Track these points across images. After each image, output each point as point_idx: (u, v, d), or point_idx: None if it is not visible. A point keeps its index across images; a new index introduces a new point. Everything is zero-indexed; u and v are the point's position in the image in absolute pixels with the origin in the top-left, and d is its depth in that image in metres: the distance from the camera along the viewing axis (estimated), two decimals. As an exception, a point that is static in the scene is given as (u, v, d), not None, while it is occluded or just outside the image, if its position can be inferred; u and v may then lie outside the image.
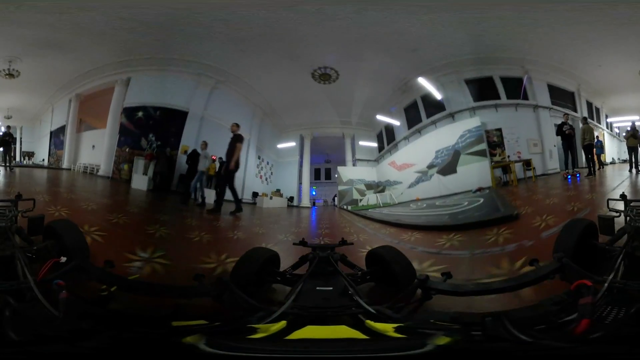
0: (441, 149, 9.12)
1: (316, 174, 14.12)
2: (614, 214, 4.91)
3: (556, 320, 2.98)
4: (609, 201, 5.10)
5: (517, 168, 7.57)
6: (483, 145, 7.92)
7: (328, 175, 14.22)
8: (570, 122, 6.97)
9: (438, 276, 4.40)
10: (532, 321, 3.01)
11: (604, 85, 7.32)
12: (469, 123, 8.35)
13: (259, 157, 12.27)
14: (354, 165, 12.99)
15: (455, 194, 8.52)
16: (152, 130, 7.63)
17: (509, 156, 7.63)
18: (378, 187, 12.63)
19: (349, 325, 2.91)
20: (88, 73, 7.03)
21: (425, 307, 3.87)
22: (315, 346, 2.56)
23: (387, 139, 12.30)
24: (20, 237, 4.45)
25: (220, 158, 8.78)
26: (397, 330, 2.77)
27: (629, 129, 7.03)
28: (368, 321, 2.94)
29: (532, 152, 7.68)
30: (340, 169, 13.01)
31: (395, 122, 11.72)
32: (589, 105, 7.68)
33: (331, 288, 3.88)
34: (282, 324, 2.88)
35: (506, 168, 7.42)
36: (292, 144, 13.07)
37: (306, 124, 12.97)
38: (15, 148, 7.35)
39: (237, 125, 8.71)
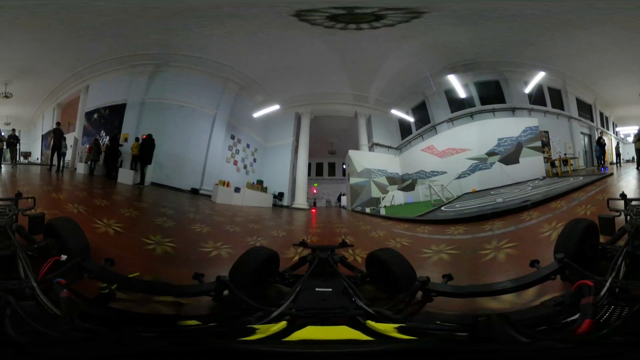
0: (505, 138, 8.80)
1: (318, 170, 11.59)
2: (615, 213, 4.90)
3: (558, 321, 2.98)
4: (609, 201, 5.09)
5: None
6: (539, 143, 8.71)
7: (332, 170, 11.64)
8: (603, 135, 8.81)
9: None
10: (533, 322, 3.00)
11: (613, 99, 8.82)
12: (529, 121, 8.87)
13: (232, 137, 10.11)
14: (371, 150, 10.47)
15: (519, 182, 8.56)
16: (103, 128, 8.52)
17: (558, 153, 8.98)
18: (403, 181, 10.32)
19: (349, 326, 2.90)
20: (57, 88, 8.37)
21: (426, 308, 3.86)
22: (315, 346, 2.55)
23: (417, 122, 10.35)
24: (21, 236, 4.45)
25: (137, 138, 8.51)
26: (398, 330, 2.76)
27: (636, 132, 8.28)
28: (369, 321, 2.93)
29: (567, 153, 9.07)
30: (353, 153, 10.31)
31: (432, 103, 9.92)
32: (601, 114, 9.18)
33: (330, 289, 3.87)
34: (282, 324, 2.87)
35: (552, 163, 8.95)
36: (274, 107, 10.05)
37: (302, 99, 10.23)
38: (19, 148, 8.45)
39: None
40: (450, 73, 9.09)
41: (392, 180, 10.35)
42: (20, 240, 4.17)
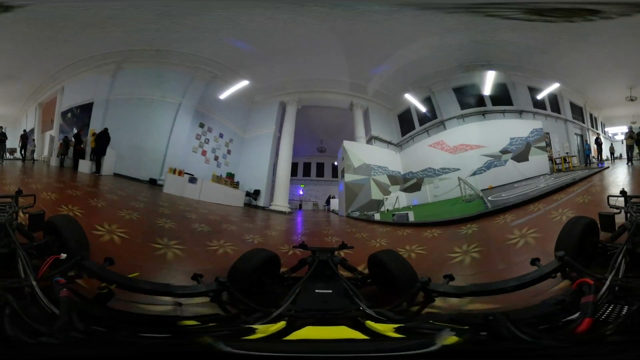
0: (516, 138, 9.12)
1: (305, 170, 10.63)
2: (615, 210, 4.90)
3: (558, 320, 2.97)
4: (609, 198, 5.08)
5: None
6: (543, 143, 9.35)
7: (320, 171, 10.68)
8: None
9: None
10: (534, 321, 3.00)
11: (601, 101, 9.62)
12: (534, 124, 9.37)
13: (201, 125, 9.40)
14: (370, 143, 9.50)
15: (528, 178, 9.02)
16: (75, 125, 8.93)
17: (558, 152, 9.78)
18: (406, 180, 9.49)
19: (348, 327, 2.89)
20: (37, 89, 8.93)
21: (426, 308, 3.85)
22: (315, 346, 2.55)
23: (420, 117, 9.76)
24: (21, 233, 4.44)
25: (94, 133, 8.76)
26: (397, 330, 2.76)
27: (626, 130, 8.92)
28: (368, 322, 2.93)
29: (565, 151, 9.78)
30: (348, 145, 9.31)
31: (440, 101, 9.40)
32: (590, 115, 9.92)
33: (330, 290, 3.86)
34: (281, 324, 2.86)
35: (554, 160, 9.68)
36: (242, 83, 8.92)
37: (287, 85, 9.17)
38: (5, 145, 8.97)
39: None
40: (464, 71, 9.15)
41: (394, 179, 9.55)
42: (19, 238, 4.17)
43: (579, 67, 8.81)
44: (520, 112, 9.38)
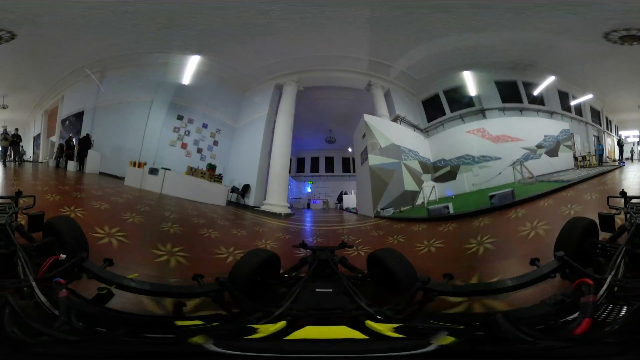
0: (549, 136, 9.65)
1: (313, 165, 9.43)
2: (614, 211, 4.90)
3: (557, 320, 2.97)
4: (609, 198, 5.08)
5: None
6: (570, 142, 9.87)
7: (330, 165, 9.40)
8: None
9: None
10: (533, 321, 3.00)
11: (617, 106, 10.34)
12: (562, 124, 9.86)
13: (179, 118, 8.90)
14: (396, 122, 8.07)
15: (559, 171, 9.56)
16: (71, 132, 9.48)
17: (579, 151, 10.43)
18: (436, 169, 8.42)
19: (348, 326, 2.89)
20: (43, 99, 9.70)
21: (426, 307, 3.85)
22: (315, 346, 2.55)
23: (450, 103, 9.24)
24: (21, 234, 4.44)
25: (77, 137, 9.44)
26: (397, 330, 2.76)
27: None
28: (368, 322, 2.92)
29: (586, 151, 10.40)
30: (370, 119, 7.86)
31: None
32: (606, 119, 10.70)
33: (330, 290, 3.86)
34: (282, 324, 2.86)
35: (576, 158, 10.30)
36: (194, 57, 7.77)
37: (279, 62, 7.57)
38: (21, 147, 9.74)
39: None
40: (511, 68, 9.32)
41: (425, 167, 8.56)
42: (19, 238, 4.17)
43: (607, 77, 9.38)
44: (551, 113, 9.96)
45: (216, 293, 3.93)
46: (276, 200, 7.78)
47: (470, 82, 9.15)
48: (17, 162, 9.54)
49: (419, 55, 8.04)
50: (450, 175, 9.03)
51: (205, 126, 9.06)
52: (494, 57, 8.64)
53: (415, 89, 9.17)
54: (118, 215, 6.69)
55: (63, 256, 4.06)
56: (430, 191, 8.17)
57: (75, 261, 3.96)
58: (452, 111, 9.48)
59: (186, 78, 8.50)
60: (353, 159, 9.60)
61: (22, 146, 9.75)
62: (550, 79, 9.44)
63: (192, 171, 8.45)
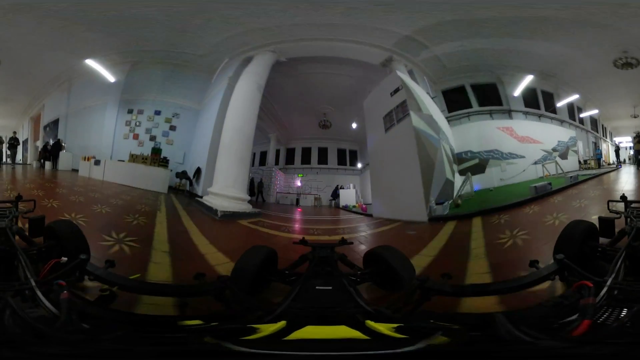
0: (561, 141, 10.52)
1: (304, 156, 8.41)
2: (615, 215, 4.91)
3: (556, 321, 2.97)
4: (609, 202, 5.09)
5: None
6: (575, 147, 10.69)
7: (324, 156, 8.20)
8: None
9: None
10: (531, 322, 3.00)
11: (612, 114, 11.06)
12: (570, 132, 10.62)
13: (129, 112, 8.94)
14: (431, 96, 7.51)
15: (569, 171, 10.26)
16: (51, 137, 10.27)
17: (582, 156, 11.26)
18: (461, 160, 8.20)
19: (348, 325, 2.90)
20: (27, 106, 10.50)
21: (425, 307, 3.85)
22: (314, 346, 2.56)
23: (478, 96, 9.26)
24: (21, 238, 4.45)
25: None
26: (396, 330, 2.76)
27: (634, 136, 10.51)
28: (368, 321, 2.93)
29: (588, 155, 11.19)
30: (405, 77, 6.90)
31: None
32: (602, 126, 11.42)
33: (330, 287, 3.86)
34: (282, 324, 2.86)
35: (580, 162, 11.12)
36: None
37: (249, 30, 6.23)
38: (18, 150, 10.59)
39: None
40: (539, 77, 9.92)
41: (452, 156, 8.23)
42: (20, 242, 4.18)
43: (606, 91, 10.30)
44: (562, 122, 10.85)
45: (218, 291, 3.93)
46: (222, 189, 6.14)
47: (501, 82, 9.40)
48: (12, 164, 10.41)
49: (457, 47, 7.82)
50: (479, 168, 8.92)
51: (157, 113, 8.89)
52: (527, 62, 9.18)
53: (438, 76, 8.66)
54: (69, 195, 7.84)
55: (64, 259, 4.07)
56: (464, 182, 7.64)
57: (77, 263, 3.97)
58: (480, 106, 9.53)
59: (125, 74, 8.69)
60: (350, 151, 8.70)
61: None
62: (575, 96, 10.44)
63: (133, 158, 8.37)
